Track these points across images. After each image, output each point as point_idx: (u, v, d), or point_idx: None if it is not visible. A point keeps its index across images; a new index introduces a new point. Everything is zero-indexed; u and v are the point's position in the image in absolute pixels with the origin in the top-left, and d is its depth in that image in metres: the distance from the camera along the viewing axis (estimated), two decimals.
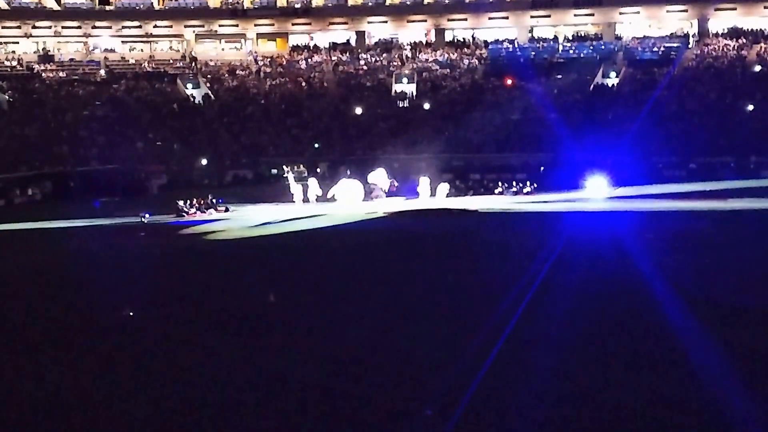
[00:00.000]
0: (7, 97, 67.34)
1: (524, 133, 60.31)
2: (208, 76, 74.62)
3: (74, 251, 32.24)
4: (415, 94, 69.82)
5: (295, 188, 46.31)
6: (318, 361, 16.31)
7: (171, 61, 76.85)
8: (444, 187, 45.88)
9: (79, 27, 76.79)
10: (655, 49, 71.89)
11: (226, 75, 74.94)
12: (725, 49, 70.02)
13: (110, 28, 77.29)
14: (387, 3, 78.43)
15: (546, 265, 23.82)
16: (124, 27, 77.46)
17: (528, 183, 48.06)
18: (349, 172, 49.73)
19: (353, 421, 13.29)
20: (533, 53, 73.57)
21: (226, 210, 43.55)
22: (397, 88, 70.84)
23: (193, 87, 71.62)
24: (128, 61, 76.68)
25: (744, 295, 20.31)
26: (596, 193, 43.53)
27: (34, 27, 75.53)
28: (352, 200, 44.36)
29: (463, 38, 79.03)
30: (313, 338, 18.02)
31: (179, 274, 26.43)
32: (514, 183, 48.26)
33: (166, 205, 43.75)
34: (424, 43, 78.91)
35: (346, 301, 21.56)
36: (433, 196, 45.10)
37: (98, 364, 16.61)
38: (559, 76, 68.94)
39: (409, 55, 76.61)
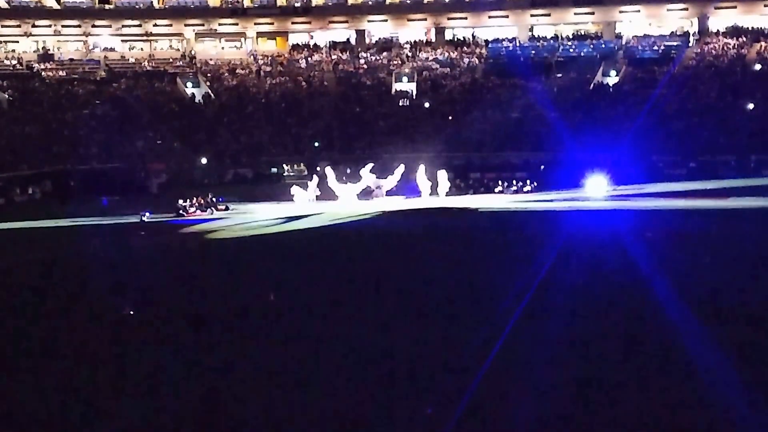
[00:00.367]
0: (7, 96, 67.28)
1: (524, 132, 60.23)
2: (208, 75, 74.52)
3: (74, 250, 32.22)
4: (415, 93, 69.75)
5: (295, 187, 46.30)
6: (318, 358, 16.30)
7: (171, 60, 76.76)
8: (443, 174, 45.73)
9: (78, 26, 76.69)
10: (656, 47, 71.81)
11: (226, 74, 74.85)
12: (725, 48, 69.94)
13: (110, 27, 77.19)
14: (387, 2, 78.34)
15: (546, 264, 23.81)
16: (123, 26, 77.37)
17: (528, 182, 48.06)
18: (349, 171, 49.67)
19: (354, 419, 13.28)
20: (533, 52, 73.50)
21: (226, 209, 43.54)
22: (397, 87, 70.76)
23: (193, 86, 71.53)
24: (128, 60, 76.58)
25: (744, 294, 20.31)
26: (596, 191, 43.51)
27: (33, 26, 75.43)
28: (349, 199, 44.34)
29: (463, 37, 78.93)
30: (313, 336, 18.01)
31: (179, 273, 26.41)
32: (514, 182, 48.25)
33: (166, 204, 43.74)
34: (424, 41, 78.83)
35: (346, 299, 21.55)
36: (435, 187, 45.00)
37: (98, 363, 16.60)
38: (560, 75, 68.86)
39: (409, 54, 76.52)
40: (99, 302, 21.96)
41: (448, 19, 77.90)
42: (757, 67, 66.29)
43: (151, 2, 78.52)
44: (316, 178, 47.46)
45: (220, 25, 78.39)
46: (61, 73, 72.67)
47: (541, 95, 62.42)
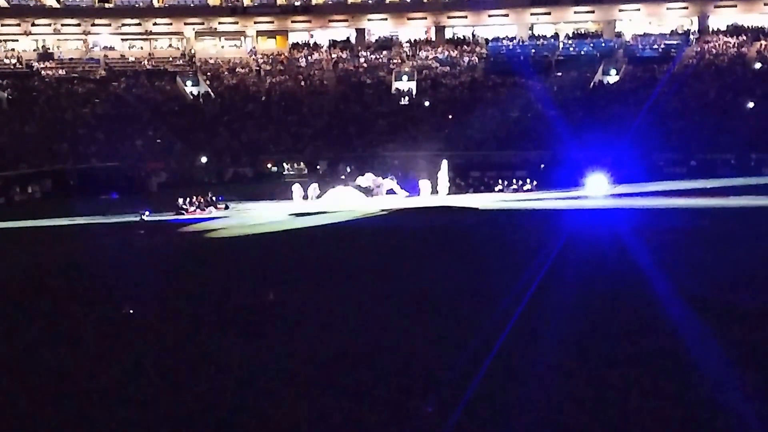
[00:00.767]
0: (6, 94, 67.25)
1: (524, 131, 60.23)
2: (208, 73, 74.53)
3: (74, 249, 32.19)
4: (415, 91, 69.73)
5: (295, 186, 46.30)
6: (319, 358, 16.27)
7: (171, 59, 76.74)
8: (444, 183, 45.88)
9: (78, 25, 76.68)
10: (656, 46, 71.81)
11: (226, 73, 74.85)
12: (725, 47, 69.93)
13: (110, 25, 77.18)
14: (387, 1, 78.34)
15: (546, 263, 23.78)
16: (123, 25, 77.36)
17: (528, 180, 48.02)
18: (348, 170, 49.67)
19: (354, 418, 13.24)
20: (533, 51, 73.51)
21: (226, 207, 43.51)
22: (397, 85, 70.77)
23: (193, 85, 71.55)
24: (128, 58, 76.58)
25: (744, 293, 20.28)
26: (596, 190, 43.48)
27: (33, 25, 75.42)
28: (346, 205, 44.30)
29: (463, 36, 78.94)
30: (313, 335, 17.98)
31: (179, 272, 26.38)
32: (514, 180, 48.21)
33: (165, 202, 43.71)
34: (424, 40, 78.80)
35: (346, 298, 21.52)
36: (435, 186, 45.05)
37: (97, 362, 16.57)
38: (560, 74, 68.88)
39: (409, 52, 76.50)
40: (98, 301, 21.92)
41: (448, 17, 77.92)
42: (758, 65, 66.28)
43: (151, 1, 78.52)
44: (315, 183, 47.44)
45: (219, 23, 78.38)
46: (60, 72, 72.66)
47: (541, 94, 62.43)
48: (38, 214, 42.46)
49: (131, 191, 52.48)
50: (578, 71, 68.28)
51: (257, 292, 22.31)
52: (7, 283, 25.19)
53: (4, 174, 54.17)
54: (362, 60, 75.64)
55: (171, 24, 78.05)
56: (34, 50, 75.56)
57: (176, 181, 56.90)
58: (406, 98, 68.93)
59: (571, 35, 76.60)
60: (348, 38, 79.74)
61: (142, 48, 78.50)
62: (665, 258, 24.50)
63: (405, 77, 71.34)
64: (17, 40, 75.57)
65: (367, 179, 46.31)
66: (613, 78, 67.45)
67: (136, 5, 77.94)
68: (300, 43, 79.49)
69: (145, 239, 34.37)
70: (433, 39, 78.40)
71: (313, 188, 46.03)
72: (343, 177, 47.81)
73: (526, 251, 26.17)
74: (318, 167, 59.40)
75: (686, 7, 74.02)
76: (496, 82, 69.01)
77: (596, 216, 35.43)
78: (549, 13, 76.41)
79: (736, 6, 73.00)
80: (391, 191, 46.16)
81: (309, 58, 76.71)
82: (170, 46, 79.05)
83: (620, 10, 74.89)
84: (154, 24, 77.97)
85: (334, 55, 76.99)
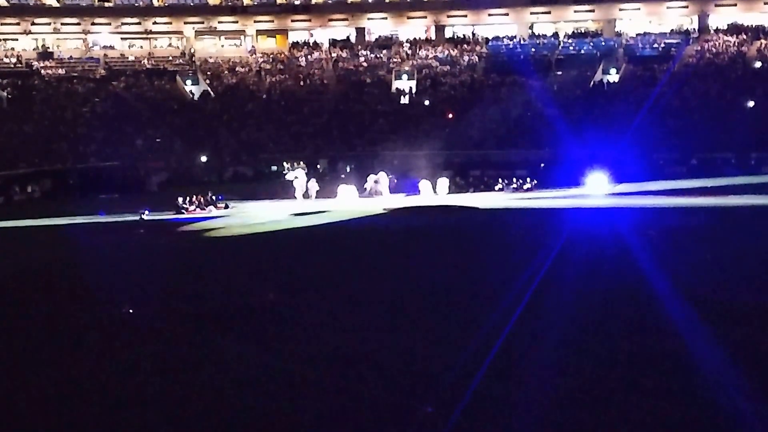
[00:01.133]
0: (6, 94, 67.24)
1: (524, 130, 60.25)
2: (208, 72, 74.54)
3: (74, 249, 32.17)
4: (415, 90, 69.71)
5: (297, 184, 46.29)
6: (319, 358, 16.25)
7: (170, 58, 76.77)
8: (444, 182, 45.97)
9: (78, 24, 76.69)
10: (656, 45, 71.80)
11: (226, 72, 74.86)
12: (726, 46, 69.92)
13: (109, 24, 77.20)
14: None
15: (546, 262, 23.75)
16: (123, 24, 77.39)
17: (528, 179, 48.01)
18: (348, 170, 49.65)
19: (354, 418, 13.22)
20: (533, 50, 73.51)
21: (226, 207, 43.53)
22: (397, 84, 70.76)
23: (193, 84, 71.56)
24: (127, 58, 76.59)
25: (744, 292, 20.25)
26: (597, 189, 43.48)
27: (33, 24, 75.44)
28: (348, 203, 44.32)
29: (463, 35, 78.95)
30: (314, 335, 17.96)
31: (178, 272, 26.35)
32: (514, 179, 48.21)
33: (165, 202, 43.70)
34: (424, 39, 78.79)
35: (346, 297, 21.49)
36: (435, 185, 45.10)
37: (97, 362, 16.55)
38: (560, 73, 68.92)
39: (409, 51, 76.49)
40: (98, 301, 21.89)
41: (448, 16, 77.98)
42: (758, 64, 66.30)
43: (151, 0, 78.47)
44: (314, 180, 47.40)
45: (219, 23, 78.42)
46: (60, 71, 72.67)
47: (541, 93, 62.45)
48: (38, 213, 42.42)
49: (131, 190, 52.51)
50: (578, 70, 68.31)
51: (257, 292, 22.28)
52: (6, 283, 25.16)
53: (4, 173, 54.16)
54: (362, 59, 75.65)
55: (171, 23, 78.07)
56: (34, 49, 75.59)
57: (176, 180, 56.89)
58: (406, 97, 68.91)
59: (571, 34, 76.59)
60: (348, 37, 79.76)
61: (141, 47, 78.51)
62: (665, 257, 24.47)
63: (405, 76, 71.37)
64: (17, 39, 75.62)
65: (368, 182, 46.22)
66: (613, 77, 67.46)
67: (136, 4, 77.97)
68: (300, 42, 79.50)
69: (144, 238, 34.35)
70: (433, 38, 78.43)
71: (313, 186, 46.04)
72: (343, 176, 47.77)
73: (526, 250, 26.13)
74: (318, 166, 59.41)
75: (686, 6, 74.06)
76: (496, 81, 69.04)
77: (596, 215, 35.40)
78: (549, 12, 76.45)
79: (736, 5, 73.03)
80: (392, 190, 46.16)
81: (309, 57, 76.72)
82: (170, 45, 79.08)
83: (620, 9, 74.94)
84: (154, 23, 77.98)
85: (334, 54, 77.01)
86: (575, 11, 76.01)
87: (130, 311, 20.63)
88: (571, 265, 23.56)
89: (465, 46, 76.47)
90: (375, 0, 78.31)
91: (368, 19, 78.65)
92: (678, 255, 25.40)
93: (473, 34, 78.41)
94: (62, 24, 76.29)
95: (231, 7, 78.30)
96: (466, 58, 74.18)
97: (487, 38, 76.95)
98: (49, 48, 75.71)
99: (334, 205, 42.49)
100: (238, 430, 13.15)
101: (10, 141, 59.86)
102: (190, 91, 70.80)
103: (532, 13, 76.70)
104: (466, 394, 13.65)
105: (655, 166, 51.08)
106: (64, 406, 14.28)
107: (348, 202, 43.29)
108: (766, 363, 15.15)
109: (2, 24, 74.68)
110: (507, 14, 76.93)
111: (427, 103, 67.23)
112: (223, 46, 79.73)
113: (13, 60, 73.46)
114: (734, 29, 72.13)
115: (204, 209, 42.48)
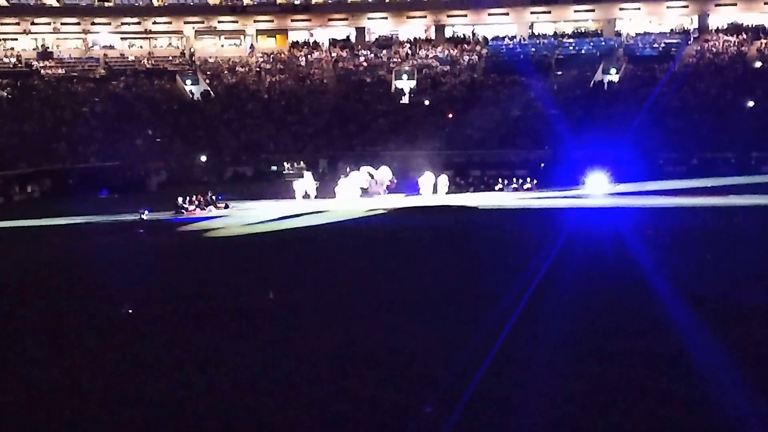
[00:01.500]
0: (5, 94, 67.20)
1: (524, 130, 60.24)
2: (208, 72, 74.50)
3: (73, 248, 32.17)
4: (415, 90, 69.71)
5: (297, 184, 46.30)
6: (319, 358, 16.24)
7: (170, 58, 76.69)
8: (444, 179, 45.96)
9: (78, 24, 76.62)
10: (656, 45, 71.74)
11: (226, 71, 74.81)
12: (726, 45, 69.86)
13: (109, 24, 77.13)
14: None
15: (546, 262, 23.76)
16: (123, 23, 77.31)
17: (528, 179, 48.00)
18: (348, 170, 49.64)
19: (354, 418, 13.21)
20: (533, 50, 73.45)
21: (226, 207, 43.50)
22: (397, 84, 70.74)
23: (193, 83, 71.51)
24: (127, 57, 76.51)
25: (744, 292, 20.24)
26: (596, 189, 43.48)
27: (33, 24, 75.35)
28: (351, 197, 44.29)
29: (463, 34, 78.90)
30: (314, 335, 17.95)
31: (178, 272, 26.35)
32: (514, 179, 48.19)
33: (165, 201, 43.68)
34: (424, 39, 78.77)
35: (346, 297, 21.49)
36: (435, 192, 45.14)
37: (97, 362, 16.54)
38: (560, 73, 68.84)
39: (409, 51, 76.46)
40: (98, 301, 21.89)
41: (448, 16, 77.92)
42: (758, 64, 66.22)
43: (151, 0, 78.43)
44: (311, 175, 47.38)
45: (219, 22, 78.34)
46: (60, 71, 72.59)
47: (541, 93, 62.43)
48: (38, 213, 42.41)
49: (131, 190, 52.51)
50: (578, 70, 68.24)
51: (257, 292, 22.28)
52: (6, 283, 25.15)
53: (4, 173, 54.13)
54: (362, 59, 75.60)
55: (171, 23, 78.01)
56: (34, 49, 75.49)
57: (176, 180, 56.87)
58: (406, 97, 68.90)
59: (571, 34, 76.55)
60: (348, 37, 79.72)
61: (141, 47, 78.43)
62: (666, 257, 24.48)
63: (405, 76, 71.31)
64: (17, 39, 75.52)
65: (367, 181, 46.17)
66: (613, 77, 67.39)
67: (136, 4, 77.90)
68: (300, 41, 79.46)
69: (144, 238, 34.34)
70: (433, 38, 78.37)
71: (312, 185, 46.05)
72: (343, 176, 47.73)
73: (527, 250, 26.14)
74: (318, 166, 59.37)
75: (686, 6, 73.95)
76: (496, 81, 68.98)
77: (596, 215, 35.41)
78: (549, 12, 76.38)
79: (736, 5, 72.93)
80: (391, 189, 46.14)
81: (309, 57, 76.66)
82: (170, 44, 78.99)
83: (620, 9, 74.82)
84: (154, 23, 77.91)
85: (333, 54, 76.96)
86: (575, 11, 75.93)
87: (130, 311, 20.63)
88: (571, 265, 23.56)
89: (465, 45, 76.42)
90: (375, 0, 78.30)
91: (368, 18, 78.61)
92: (678, 255, 25.40)
93: (473, 34, 78.37)
94: (62, 24, 76.20)
95: (231, 7, 78.23)
96: (466, 57, 74.14)
97: (487, 38, 76.92)
98: (48, 48, 75.63)
99: (334, 205, 42.49)
100: (238, 430, 13.14)
101: (10, 141, 59.82)
102: (190, 91, 70.76)
103: (532, 13, 76.64)
104: (466, 394, 13.65)
105: (655, 166, 51.08)
106: (63, 405, 14.27)
107: (348, 202, 43.26)
108: (766, 363, 15.15)
109: (2, 24, 74.58)
110: (507, 14, 76.87)
111: (427, 103, 67.20)
112: (223, 45, 79.71)
113: (13, 60, 73.39)
114: (734, 29, 72.07)
115: (204, 209, 42.46)
